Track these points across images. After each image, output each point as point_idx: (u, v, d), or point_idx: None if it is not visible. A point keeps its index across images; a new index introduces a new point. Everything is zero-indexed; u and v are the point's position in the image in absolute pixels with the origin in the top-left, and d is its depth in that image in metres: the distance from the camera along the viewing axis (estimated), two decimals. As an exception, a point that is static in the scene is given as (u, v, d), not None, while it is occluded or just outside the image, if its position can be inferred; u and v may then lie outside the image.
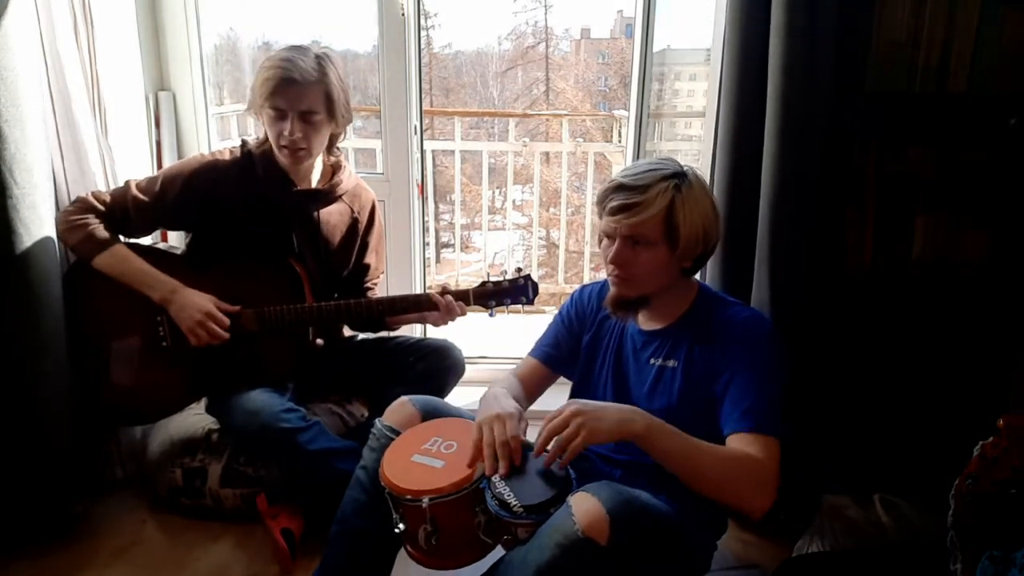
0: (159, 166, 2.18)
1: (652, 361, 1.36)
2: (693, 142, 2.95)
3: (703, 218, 1.27)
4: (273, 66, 1.59)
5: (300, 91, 1.60)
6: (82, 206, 1.65)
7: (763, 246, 1.55)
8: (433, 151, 4.86)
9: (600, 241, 1.38)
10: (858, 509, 1.53)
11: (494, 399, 1.29)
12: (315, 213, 1.77)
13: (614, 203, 1.26)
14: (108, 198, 1.68)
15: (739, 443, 1.19)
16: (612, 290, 1.34)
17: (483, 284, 1.74)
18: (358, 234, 1.87)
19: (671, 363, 1.33)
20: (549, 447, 1.14)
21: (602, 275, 1.40)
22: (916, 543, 1.44)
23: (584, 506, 1.04)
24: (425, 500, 1.15)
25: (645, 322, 1.40)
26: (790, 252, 1.52)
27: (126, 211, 1.68)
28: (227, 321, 1.64)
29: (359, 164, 4.40)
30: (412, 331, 2.35)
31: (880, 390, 1.63)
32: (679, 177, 1.26)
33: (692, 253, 1.29)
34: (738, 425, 1.21)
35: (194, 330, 1.62)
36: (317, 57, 1.63)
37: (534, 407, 1.51)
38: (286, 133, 1.62)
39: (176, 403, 1.75)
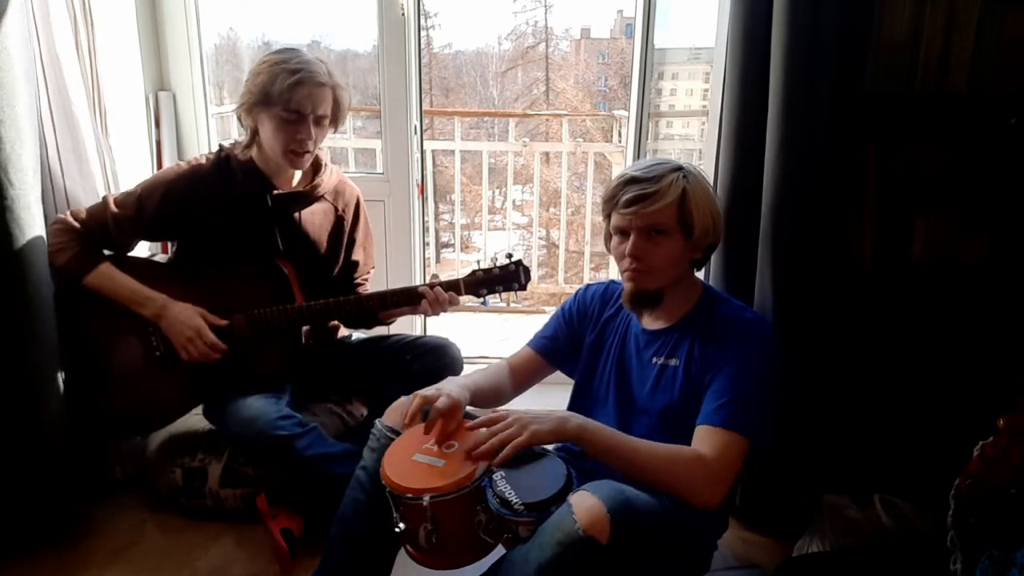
0: (159, 166, 2.18)
1: (654, 360, 1.36)
2: (681, 140, 2.95)
3: (710, 207, 1.32)
4: (296, 69, 1.57)
5: (322, 94, 1.61)
6: (62, 227, 1.63)
7: (765, 245, 1.55)
8: (433, 151, 4.85)
9: (608, 240, 1.39)
10: (858, 509, 1.53)
11: (446, 381, 1.35)
12: (296, 214, 1.76)
13: (629, 195, 1.28)
14: (85, 215, 1.67)
15: (700, 436, 1.22)
16: (628, 285, 1.35)
17: (473, 273, 1.72)
18: (344, 231, 1.86)
19: (673, 362, 1.34)
20: (488, 442, 1.17)
21: (602, 275, 1.41)
22: (916, 543, 1.44)
23: (585, 504, 1.04)
24: (426, 498, 1.14)
25: (649, 322, 1.40)
26: (791, 251, 1.53)
27: (105, 227, 1.67)
28: (220, 344, 1.64)
29: (359, 164, 4.40)
30: (412, 329, 2.35)
31: (880, 390, 1.63)
32: (683, 169, 1.31)
33: (703, 242, 1.33)
34: (709, 418, 1.23)
35: (185, 347, 1.63)
36: (320, 60, 1.64)
37: (532, 406, 1.51)
38: (300, 136, 1.61)
39: (173, 411, 1.74)
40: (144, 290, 1.64)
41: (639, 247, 1.29)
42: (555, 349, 1.52)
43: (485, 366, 1.53)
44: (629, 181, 1.29)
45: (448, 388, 1.29)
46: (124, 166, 1.97)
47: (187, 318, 1.63)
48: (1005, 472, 1.13)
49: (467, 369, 1.93)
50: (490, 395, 1.45)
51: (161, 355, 1.68)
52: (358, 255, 1.91)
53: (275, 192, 1.72)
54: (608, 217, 1.36)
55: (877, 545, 1.47)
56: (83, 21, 1.80)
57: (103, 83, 1.88)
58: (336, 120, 1.69)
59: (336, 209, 1.84)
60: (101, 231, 1.67)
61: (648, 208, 1.26)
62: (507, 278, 1.70)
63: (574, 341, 1.51)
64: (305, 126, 1.61)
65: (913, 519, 1.48)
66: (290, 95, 1.57)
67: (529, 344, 1.55)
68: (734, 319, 1.33)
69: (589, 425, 1.20)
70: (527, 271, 1.71)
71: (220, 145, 1.75)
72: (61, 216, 1.66)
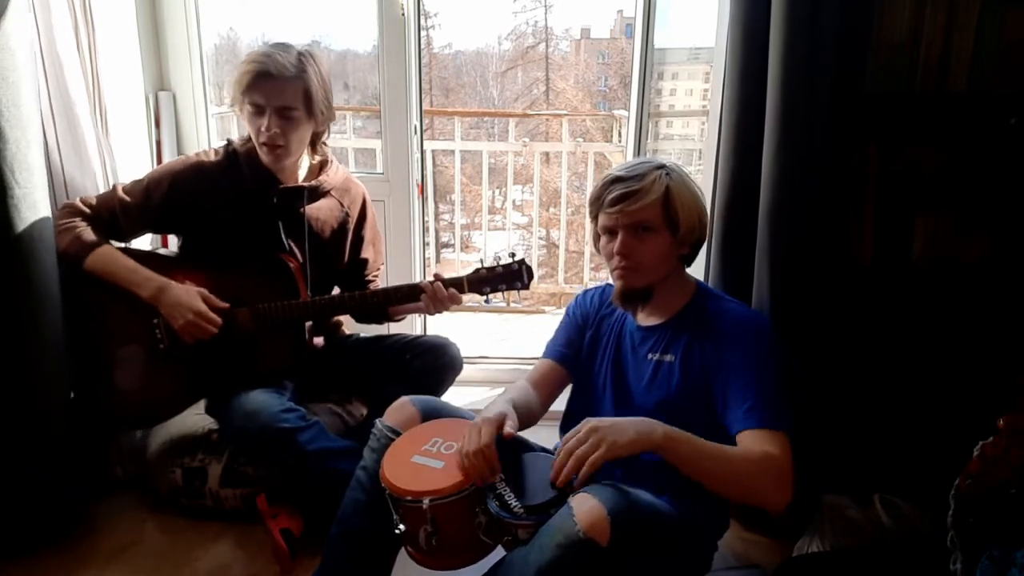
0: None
1: (650, 356, 1.37)
2: (681, 140, 2.95)
3: (695, 203, 1.34)
4: (251, 60, 1.60)
5: (276, 86, 1.60)
6: (69, 211, 1.65)
7: (763, 245, 1.55)
8: (433, 151, 4.85)
9: (597, 240, 1.40)
10: (858, 509, 1.53)
11: (488, 408, 1.29)
12: (301, 209, 1.77)
13: (614, 194, 1.30)
14: (95, 202, 1.68)
15: (750, 440, 1.20)
16: (618, 283, 1.36)
17: (477, 271, 1.72)
18: (349, 229, 1.87)
19: (668, 357, 1.34)
20: (568, 464, 1.11)
21: (602, 276, 1.42)
22: (916, 543, 1.44)
23: (585, 507, 1.04)
24: (425, 501, 1.15)
25: (643, 319, 1.41)
26: (790, 251, 1.53)
27: (113, 214, 1.68)
28: (218, 319, 1.64)
29: (359, 164, 4.40)
30: (412, 328, 2.35)
31: (880, 389, 1.63)
32: (666, 167, 1.32)
33: (690, 238, 1.34)
34: (746, 423, 1.22)
35: (186, 329, 1.62)
36: (299, 54, 1.63)
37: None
38: (263, 129, 1.61)
39: (176, 406, 1.75)
40: (143, 271, 1.64)
41: (626, 245, 1.31)
42: (572, 355, 1.50)
43: (486, 370, 1.51)
44: (613, 181, 1.32)
45: (484, 414, 1.26)
46: (124, 166, 1.97)
47: (187, 298, 1.62)
48: (1005, 472, 1.13)
49: (467, 369, 1.94)
50: (524, 415, 1.39)
51: (165, 348, 1.68)
52: (367, 253, 1.92)
53: (280, 187, 1.73)
54: (595, 218, 1.37)
55: (877, 545, 1.47)
56: (83, 21, 1.80)
57: (103, 83, 1.88)
58: (311, 112, 1.65)
59: (342, 205, 1.84)
60: (109, 217, 1.68)
61: (633, 206, 1.28)
62: (510, 277, 1.70)
63: (584, 343, 1.51)
64: (265, 118, 1.61)
65: (913, 519, 1.48)
66: (244, 87, 1.60)
67: (546, 356, 1.52)
68: (730, 315, 1.33)
69: (674, 433, 1.15)
70: (530, 270, 1.71)
71: (228, 140, 1.76)
72: (70, 201, 1.68)
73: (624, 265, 1.32)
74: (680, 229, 1.31)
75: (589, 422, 1.14)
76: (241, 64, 1.62)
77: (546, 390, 1.48)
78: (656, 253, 1.32)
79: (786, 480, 1.17)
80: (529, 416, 1.41)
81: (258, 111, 1.61)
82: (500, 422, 1.22)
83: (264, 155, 1.67)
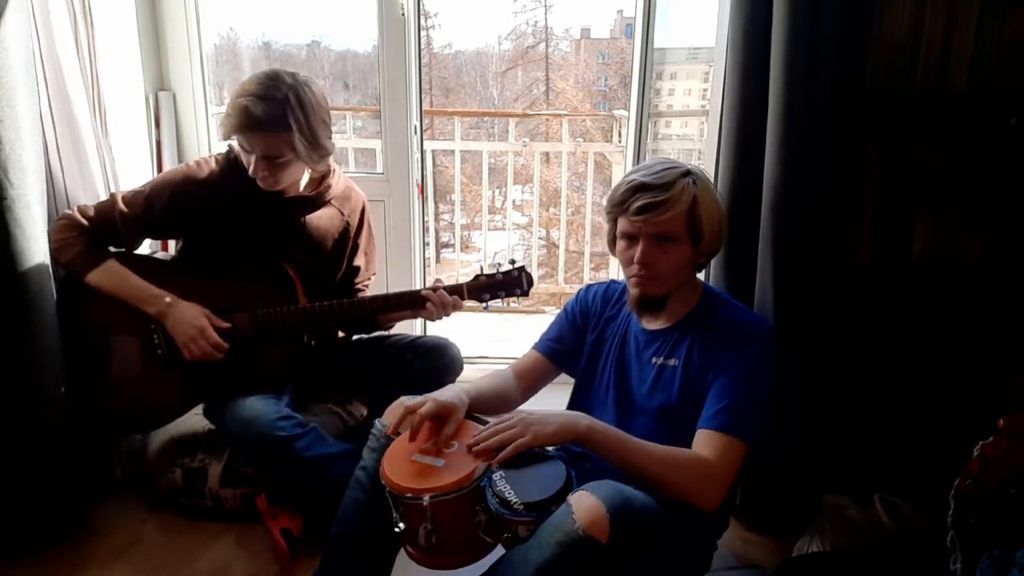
0: (159, 166, 2.18)
1: (654, 360, 1.37)
2: (680, 140, 2.95)
3: (718, 212, 1.32)
4: (235, 106, 1.53)
5: (261, 138, 1.56)
6: (68, 223, 1.64)
7: (765, 245, 1.55)
8: (433, 151, 4.85)
9: (612, 242, 1.38)
10: (858, 509, 1.53)
11: (442, 391, 1.33)
12: (302, 219, 1.76)
13: (640, 202, 1.26)
14: (93, 213, 1.66)
15: (701, 440, 1.23)
16: (635, 291, 1.35)
17: (477, 277, 1.73)
18: (349, 237, 1.87)
19: (672, 362, 1.34)
20: (488, 440, 1.18)
21: (602, 275, 1.42)
22: (916, 543, 1.44)
23: (584, 504, 1.04)
24: (425, 498, 1.14)
25: (649, 322, 1.40)
26: (792, 251, 1.53)
27: (112, 225, 1.67)
28: (223, 343, 1.64)
29: (359, 164, 4.40)
30: (412, 329, 2.35)
31: (880, 390, 1.63)
32: (692, 174, 1.29)
33: (710, 247, 1.34)
34: (708, 423, 1.24)
35: (188, 346, 1.63)
36: (284, 100, 1.53)
37: (534, 405, 1.51)
38: (253, 168, 1.60)
39: (173, 410, 1.75)
40: (149, 287, 1.64)
41: (648, 254, 1.29)
42: (561, 351, 1.52)
43: (486, 370, 1.53)
44: (639, 188, 1.27)
45: (437, 393, 1.30)
46: (124, 166, 1.97)
47: (192, 317, 1.63)
48: (1005, 472, 1.13)
49: (467, 369, 1.94)
50: (495, 400, 1.44)
51: (163, 353, 1.68)
52: (359, 261, 1.91)
53: (282, 196, 1.72)
54: (614, 221, 1.34)
55: (877, 545, 1.47)
56: (83, 21, 1.80)
57: (103, 83, 1.88)
58: (299, 156, 1.59)
59: (342, 214, 1.84)
60: (109, 228, 1.67)
61: (659, 217, 1.25)
62: (510, 284, 1.71)
63: (579, 342, 1.51)
64: (254, 160, 1.58)
65: (913, 519, 1.48)
66: (229, 128, 1.56)
67: (535, 348, 1.54)
68: (733, 320, 1.33)
69: (597, 426, 1.20)
70: (529, 278, 1.72)
71: (229, 146, 1.75)
72: (68, 212, 1.66)
73: (643, 274, 1.31)
74: (703, 240, 1.30)
75: (520, 413, 1.20)
76: (232, 96, 1.57)
77: (528, 381, 1.50)
78: (677, 263, 1.30)
79: (714, 486, 1.20)
80: (500, 402, 1.45)
81: (246, 151, 1.60)
82: (446, 412, 1.26)
83: (259, 183, 1.64)
